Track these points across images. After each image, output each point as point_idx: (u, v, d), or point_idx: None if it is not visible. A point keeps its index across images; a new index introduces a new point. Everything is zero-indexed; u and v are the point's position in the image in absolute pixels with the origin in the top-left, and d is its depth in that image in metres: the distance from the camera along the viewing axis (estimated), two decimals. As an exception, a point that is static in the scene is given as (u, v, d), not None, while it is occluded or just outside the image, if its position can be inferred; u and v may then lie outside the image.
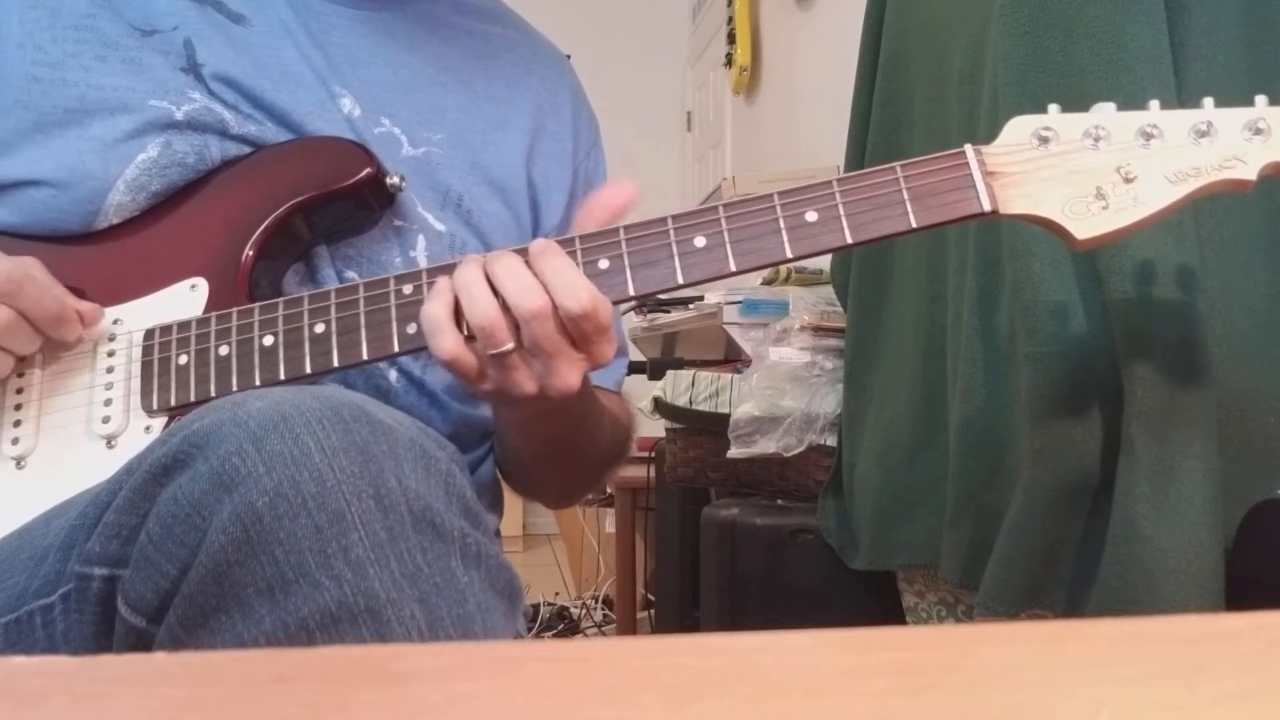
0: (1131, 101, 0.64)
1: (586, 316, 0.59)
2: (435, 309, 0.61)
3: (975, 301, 0.96)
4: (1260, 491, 0.82)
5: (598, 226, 0.64)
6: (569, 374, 0.61)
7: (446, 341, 0.60)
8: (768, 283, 1.67)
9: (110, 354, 0.69)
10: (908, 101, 1.18)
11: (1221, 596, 0.77)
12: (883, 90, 1.22)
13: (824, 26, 2.52)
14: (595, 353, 0.62)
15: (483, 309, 0.59)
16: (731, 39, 3.23)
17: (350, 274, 0.75)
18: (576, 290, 0.59)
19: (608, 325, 0.61)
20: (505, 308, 0.59)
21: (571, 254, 0.63)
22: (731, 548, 1.32)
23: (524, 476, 0.86)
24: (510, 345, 0.60)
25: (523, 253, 0.62)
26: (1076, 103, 0.64)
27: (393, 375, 0.76)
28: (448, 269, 0.65)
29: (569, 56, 0.95)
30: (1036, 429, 0.86)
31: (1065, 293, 0.85)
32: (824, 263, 1.51)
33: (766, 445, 1.33)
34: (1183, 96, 0.82)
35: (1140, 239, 0.80)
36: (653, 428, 1.68)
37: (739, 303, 1.57)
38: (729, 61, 3.26)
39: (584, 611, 2.69)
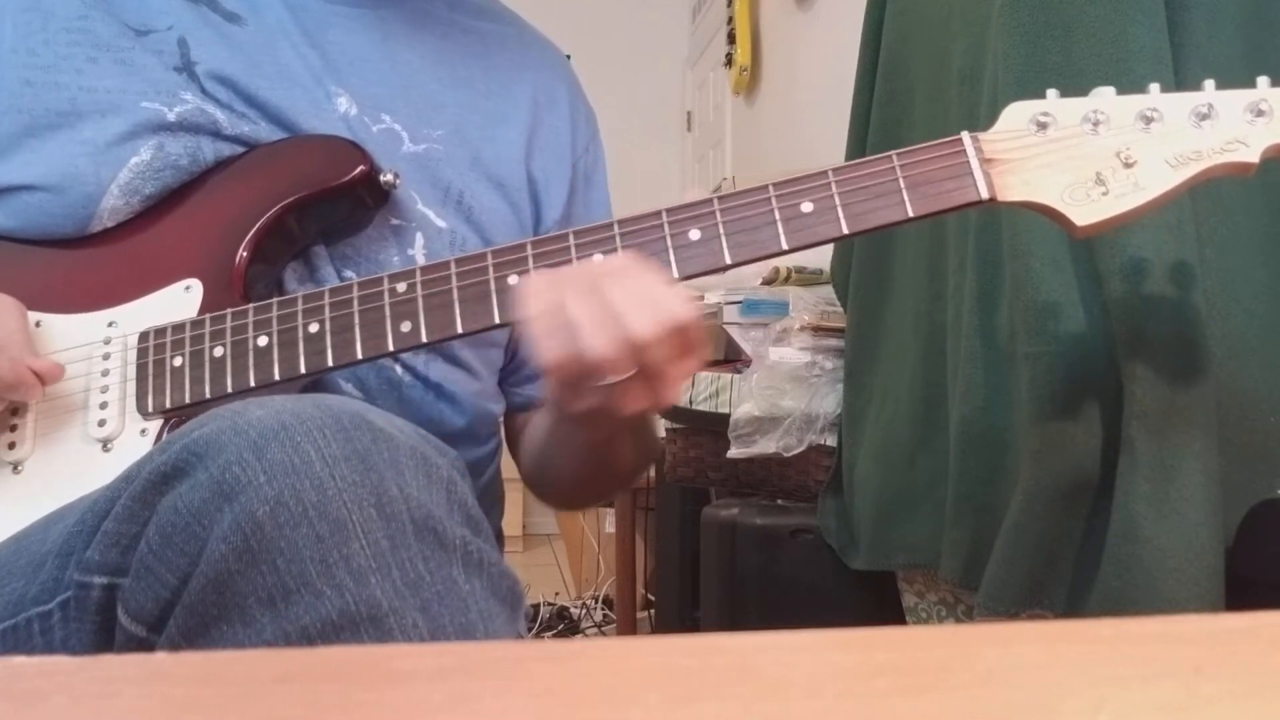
0: (1132, 100, 0.64)
1: (694, 324, 0.57)
2: (542, 306, 0.57)
3: (975, 301, 0.96)
4: (1260, 491, 0.82)
5: None
6: (674, 390, 0.59)
7: (556, 347, 0.57)
8: (768, 282, 1.67)
9: (105, 357, 0.69)
10: (908, 101, 1.18)
11: (1221, 596, 0.77)
12: (883, 90, 1.22)
13: (824, 26, 2.52)
14: (700, 356, 0.59)
15: (606, 339, 0.55)
16: (731, 39, 3.22)
17: (349, 273, 0.75)
18: (680, 302, 0.56)
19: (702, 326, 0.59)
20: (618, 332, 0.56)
21: (566, 249, 0.63)
22: (731, 548, 1.32)
23: (562, 490, 0.85)
24: (633, 371, 0.56)
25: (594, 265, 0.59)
26: (1076, 102, 0.64)
27: (399, 369, 0.76)
28: (442, 267, 0.65)
29: (569, 56, 0.95)
30: (1036, 429, 0.86)
31: (1065, 293, 0.85)
32: (824, 262, 1.51)
33: (766, 445, 1.33)
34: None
35: (1140, 238, 0.80)
36: (653, 428, 1.67)
37: (739, 303, 1.56)
38: (729, 61, 3.26)
39: (584, 611, 2.69)
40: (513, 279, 0.63)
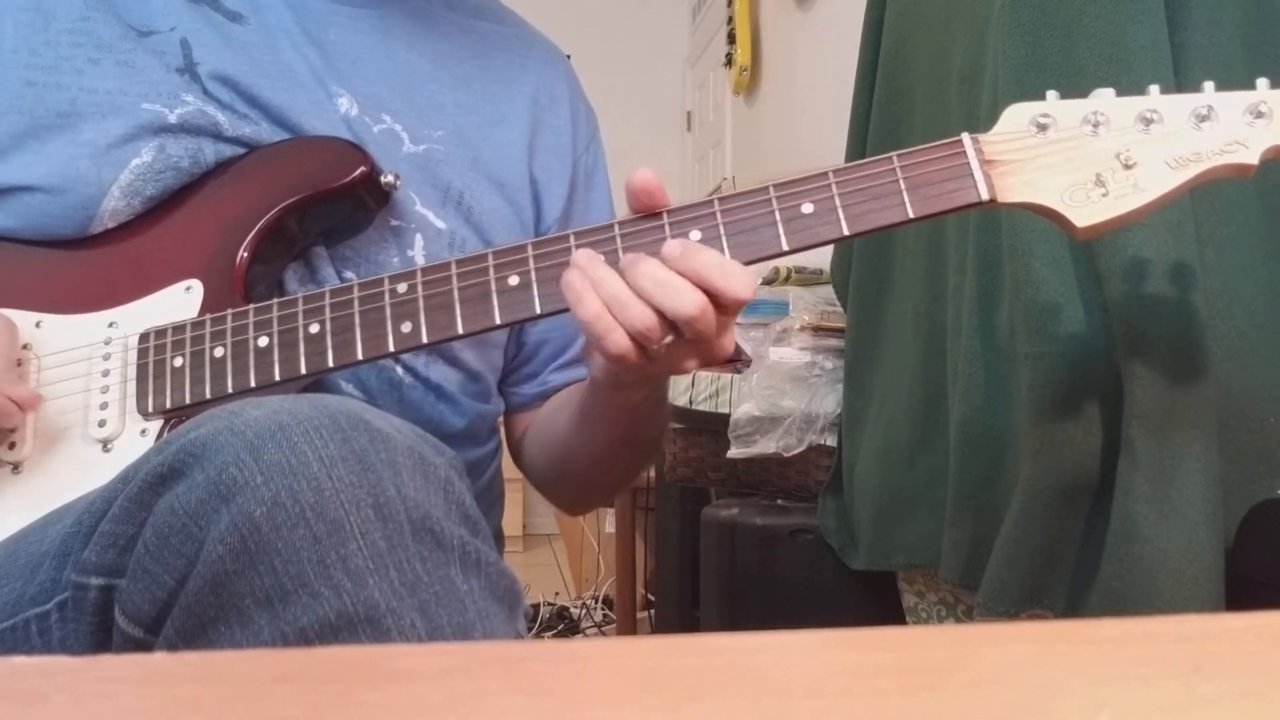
0: (1132, 99, 0.64)
1: (746, 299, 0.59)
2: (594, 309, 0.60)
3: (975, 301, 0.96)
4: (1260, 491, 0.82)
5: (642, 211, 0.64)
6: (729, 341, 0.61)
7: (621, 339, 0.59)
8: (768, 282, 1.67)
9: (106, 357, 0.69)
10: (908, 101, 1.18)
11: (1221, 596, 0.77)
12: (883, 90, 1.22)
13: (824, 26, 2.52)
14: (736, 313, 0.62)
15: (637, 313, 0.58)
16: (731, 39, 3.22)
17: (349, 274, 0.75)
18: (744, 279, 0.59)
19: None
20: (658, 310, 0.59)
21: (566, 250, 0.63)
22: (731, 547, 1.32)
23: (581, 479, 0.85)
24: (669, 339, 0.59)
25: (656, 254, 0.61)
26: (1076, 102, 0.64)
27: (399, 370, 0.76)
28: (443, 268, 0.65)
29: (569, 56, 0.95)
30: (1036, 429, 0.86)
31: (1065, 293, 0.85)
32: (824, 262, 1.51)
33: (766, 445, 1.33)
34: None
35: (1140, 238, 0.80)
36: (653, 427, 1.67)
37: (739, 303, 1.56)
38: (729, 61, 3.26)
39: (584, 611, 2.69)
40: (514, 279, 0.63)
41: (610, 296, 0.59)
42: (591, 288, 0.60)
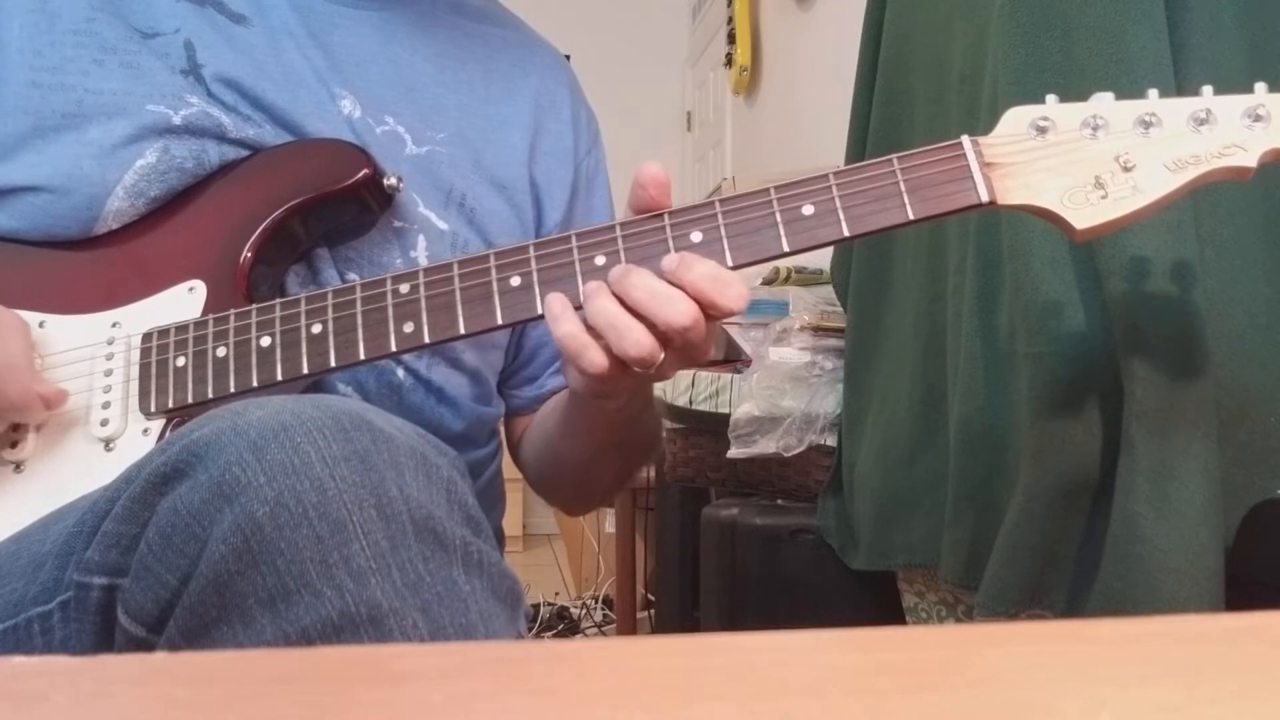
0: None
1: (738, 312, 0.60)
2: (571, 329, 0.60)
3: (975, 301, 0.96)
4: (1260, 491, 0.82)
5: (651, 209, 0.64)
6: (710, 346, 0.62)
7: (598, 357, 0.59)
8: (768, 282, 1.67)
9: (109, 357, 0.69)
10: (908, 102, 1.18)
11: (1221, 596, 0.77)
12: (883, 90, 1.22)
13: (824, 26, 2.52)
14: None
15: (635, 339, 0.58)
16: (731, 39, 3.22)
17: (352, 276, 0.75)
18: (738, 291, 0.59)
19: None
20: (650, 325, 0.58)
21: (568, 250, 0.63)
22: (731, 548, 1.32)
23: (575, 479, 0.85)
24: (662, 357, 0.59)
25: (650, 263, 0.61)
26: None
27: (400, 373, 0.76)
28: (445, 268, 0.65)
29: (568, 57, 0.95)
30: (1036, 428, 0.86)
31: (1065, 292, 0.85)
32: (824, 262, 1.51)
33: (766, 445, 1.33)
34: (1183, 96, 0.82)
35: (1140, 238, 0.80)
36: (653, 428, 1.67)
37: (739, 303, 1.56)
38: (729, 61, 3.26)
39: (584, 611, 2.69)
40: (515, 280, 0.64)
41: (607, 324, 0.59)
42: (567, 307, 0.60)
